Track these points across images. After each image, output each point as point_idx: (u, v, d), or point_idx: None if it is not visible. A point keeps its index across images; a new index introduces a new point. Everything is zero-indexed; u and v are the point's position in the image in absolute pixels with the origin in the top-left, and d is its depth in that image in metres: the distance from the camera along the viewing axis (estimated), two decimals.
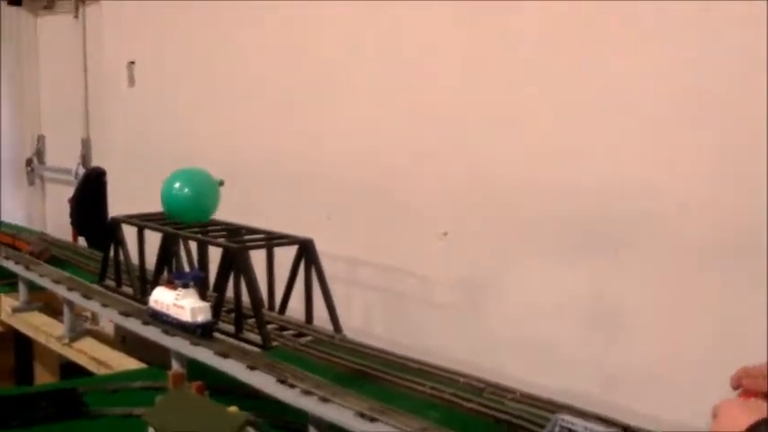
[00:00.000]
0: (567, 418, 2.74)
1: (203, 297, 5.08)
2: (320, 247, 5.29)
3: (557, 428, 2.76)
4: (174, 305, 4.85)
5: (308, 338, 4.92)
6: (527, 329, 5.07)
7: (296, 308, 5.29)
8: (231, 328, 5.01)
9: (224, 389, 4.51)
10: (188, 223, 5.37)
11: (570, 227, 4.77)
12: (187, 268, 5.59)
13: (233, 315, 5.06)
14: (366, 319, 6.00)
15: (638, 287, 4.50)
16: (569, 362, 4.73)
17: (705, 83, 4.14)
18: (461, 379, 4.30)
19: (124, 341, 6.09)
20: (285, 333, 5.02)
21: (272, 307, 5.42)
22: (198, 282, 4.92)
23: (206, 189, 5.15)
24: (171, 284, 4.94)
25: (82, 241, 7.99)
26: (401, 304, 5.81)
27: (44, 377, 7.23)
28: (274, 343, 4.83)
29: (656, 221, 4.39)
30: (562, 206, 4.79)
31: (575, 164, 4.72)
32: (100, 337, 6.38)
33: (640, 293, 4.50)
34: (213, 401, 3.78)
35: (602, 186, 4.58)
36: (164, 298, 4.96)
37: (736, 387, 2.58)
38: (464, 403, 4.01)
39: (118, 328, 6.00)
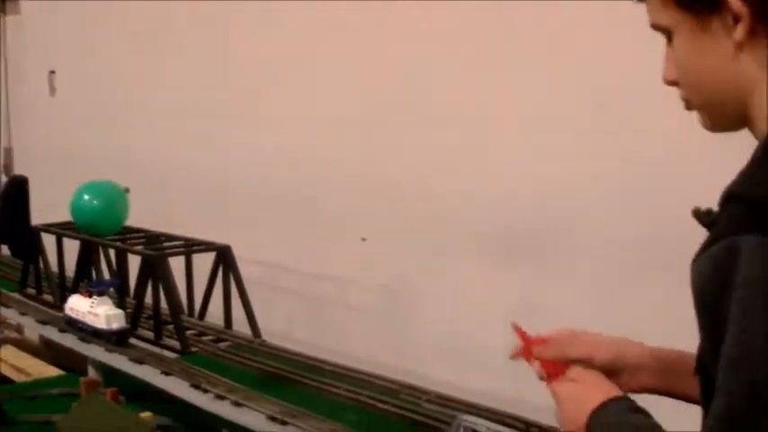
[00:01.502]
0: (470, 419, 2.78)
1: (121, 304, 5.08)
2: (241, 254, 5.30)
3: (460, 429, 2.81)
4: (90, 312, 4.86)
5: (227, 343, 4.94)
6: (446, 333, 5.12)
7: (215, 314, 5.30)
8: (151, 335, 5.00)
9: (141, 395, 4.53)
10: (105, 235, 5.37)
11: (489, 232, 4.83)
12: (107, 276, 5.57)
13: (152, 322, 5.05)
14: (287, 323, 6.02)
15: (557, 292, 4.57)
16: (488, 365, 4.77)
17: (620, 90, 4.19)
18: (377, 381, 4.33)
19: (48, 348, 6.06)
20: (204, 338, 5.03)
21: (191, 313, 5.43)
22: (115, 288, 4.93)
23: (114, 199, 5.16)
24: (86, 292, 4.94)
25: (5, 250, 7.94)
26: (322, 309, 5.85)
27: None
28: (193, 348, 4.84)
29: (575, 229, 4.46)
30: (480, 213, 4.85)
31: (490, 172, 4.78)
32: (24, 345, 6.34)
33: (558, 298, 4.56)
34: (124, 408, 3.79)
35: (521, 193, 4.64)
36: (79, 305, 4.97)
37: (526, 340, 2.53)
38: (379, 405, 4.04)
39: (42, 336, 5.97)
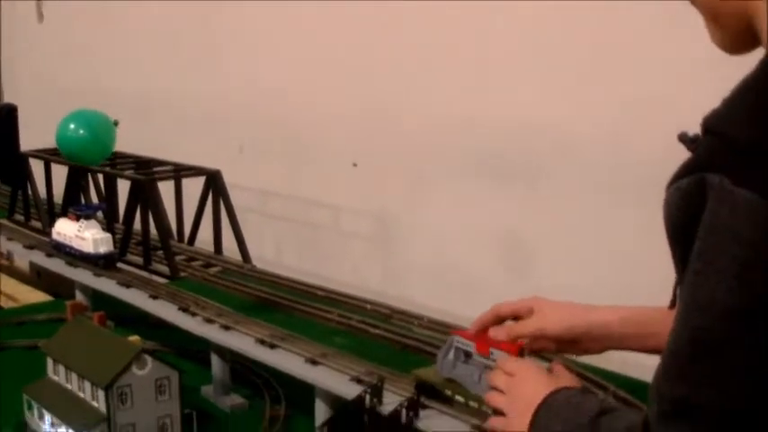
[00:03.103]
0: (461, 339, 2.74)
1: (110, 229, 5.04)
2: (232, 180, 5.27)
3: (452, 349, 2.77)
4: (77, 236, 4.81)
5: (217, 269, 4.91)
6: (437, 258, 5.10)
7: (206, 239, 5.26)
8: (140, 260, 4.96)
9: (130, 320, 4.50)
10: (91, 164, 5.31)
11: (480, 158, 4.79)
12: (96, 202, 5.52)
13: (142, 247, 5.01)
14: (278, 250, 5.99)
15: (548, 218, 4.54)
16: (479, 290, 4.76)
17: (617, 26, 4.15)
18: (369, 306, 4.31)
19: (39, 277, 6.03)
20: (194, 264, 5.00)
21: (181, 239, 5.39)
22: (104, 212, 4.89)
23: (101, 130, 5.09)
24: (74, 216, 4.90)
25: None
26: (312, 235, 5.82)
27: None
28: (182, 274, 4.80)
29: (566, 156, 4.42)
30: (471, 139, 4.81)
31: (483, 98, 4.73)
32: (14, 273, 6.30)
33: (551, 224, 4.53)
34: (111, 331, 3.75)
35: (512, 119, 4.60)
36: (66, 229, 4.92)
37: (475, 337, 2.51)
38: (371, 330, 4.02)
39: (32, 264, 5.93)
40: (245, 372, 4.19)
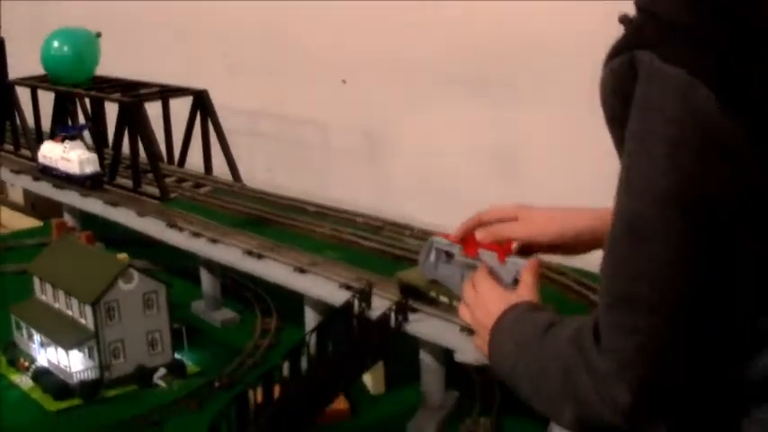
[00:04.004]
0: (443, 240, 2.70)
1: (99, 154, 5.00)
2: (221, 101, 5.21)
3: (433, 250, 2.72)
4: (62, 158, 4.78)
5: (207, 188, 4.87)
6: (427, 172, 5.05)
7: (197, 162, 5.22)
8: (130, 183, 4.92)
9: (120, 241, 4.48)
10: (76, 82, 5.26)
11: (467, 72, 4.73)
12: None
13: (131, 170, 4.96)
14: (269, 170, 5.94)
15: (535, 129, 4.49)
16: (469, 202, 4.71)
17: None
18: (360, 219, 4.29)
19: (34, 208, 6.00)
20: (184, 185, 4.96)
21: (171, 161, 5.35)
22: (90, 131, 4.85)
23: (85, 46, 5.04)
24: (59, 138, 4.86)
25: None
26: (303, 154, 5.77)
27: None
28: (173, 194, 4.75)
29: (550, 69, 4.36)
30: (459, 52, 4.73)
31: (470, 14, 4.65)
32: (10, 206, 6.27)
33: (538, 135, 4.49)
34: (98, 249, 3.73)
35: (499, 34, 4.53)
36: (52, 152, 4.89)
37: (461, 240, 2.47)
38: (363, 242, 4.00)
39: (26, 196, 5.90)
40: (235, 286, 4.18)
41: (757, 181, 1.50)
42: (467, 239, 2.42)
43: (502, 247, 2.33)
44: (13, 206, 6.22)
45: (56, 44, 4.97)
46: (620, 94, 1.59)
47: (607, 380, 1.63)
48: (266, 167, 5.92)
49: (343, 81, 5.43)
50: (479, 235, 2.35)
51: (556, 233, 2.22)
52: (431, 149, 5.00)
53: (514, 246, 2.41)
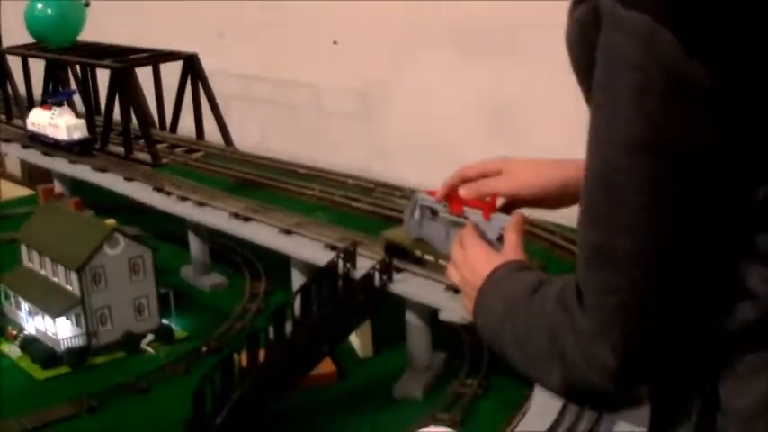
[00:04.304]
0: (427, 198, 2.65)
1: (91, 122, 4.97)
2: (214, 66, 5.17)
3: (417, 208, 2.68)
4: (50, 125, 4.75)
5: (200, 154, 4.84)
6: (421, 131, 5.01)
7: (189, 127, 5.18)
8: (122, 150, 4.89)
9: (110, 208, 4.45)
10: (55, 46, 5.21)
11: (459, 30, 4.67)
12: (78, 95, 5.43)
13: (122, 137, 4.93)
14: (263, 134, 5.90)
15: (536, 83, 4.44)
16: (463, 160, 4.66)
17: None
18: (351, 181, 4.26)
19: (31, 179, 5.97)
20: (177, 150, 4.93)
21: (163, 126, 5.31)
22: (81, 95, 4.82)
23: (70, 9, 4.99)
24: (46, 105, 4.83)
25: None
26: (296, 117, 5.72)
27: None
28: (164, 160, 4.72)
29: (544, 24, 4.30)
30: (451, 9, 4.67)
31: None
32: (8, 177, 6.25)
33: (531, 91, 4.44)
34: (83, 215, 3.70)
35: None
36: (40, 119, 4.86)
37: (445, 198, 2.42)
38: (353, 203, 3.97)
39: (23, 167, 5.87)
40: (225, 251, 4.16)
41: (728, 125, 1.47)
42: (451, 197, 2.38)
43: (486, 204, 2.28)
44: (11, 178, 6.19)
45: (39, 6, 4.91)
46: (585, 42, 1.55)
47: (591, 340, 1.59)
48: (260, 132, 5.88)
49: (335, 42, 5.38)
50: (462, 191, 2.30)
51: (540, 186, 2.17)
52: (425, 109, 4.95)
53: (499, 201, 2.37)
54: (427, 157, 4.91)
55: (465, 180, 2.32)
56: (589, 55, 1.55)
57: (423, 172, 4.67)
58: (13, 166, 6.32)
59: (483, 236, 2.25)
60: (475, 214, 2.32)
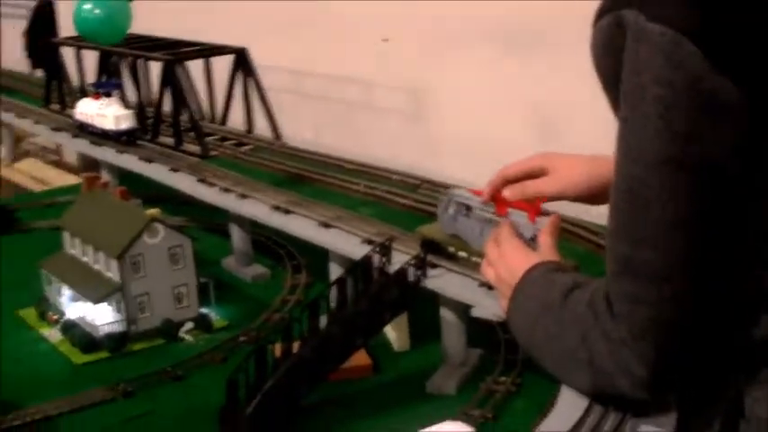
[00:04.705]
0: (462, 194, 2.64)
1: (141, 113, 5.01)
2: (265, 61, 5.19)
3: (452, 203, 2.67)
4: (98, 115, 4.79)
5: (248, 146, 4.85)
6: (470, 130, 5.00)
7: (239, 119, 5.21)
8: (172, 142, 4.92)
9: (158, 199, 4.48)
10: (108, 44, 5.25)
11: (510, 30, 4.66)
12: (130, 87, 5.47)
13: (173, 129, 4.96)
14: (315, 129, 5.92)
15: (578, 86, 4.41)
16: (509, 157, 4.65)
17: None
18: (396, 177, 4.25)
19: (86, 168, 6.02)
20: (225, 143, 4.94)
21: (214, 119, 5.34)
22: (137, 90, 4.87)
23: (116, 9, 5.02)
24: (95, 95, 4.87)
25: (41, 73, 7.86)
26: (347, 113, 5.73)
27: None
28: (213, 152, 4.74)
29: (591, 17, 4.28)
30: (500, 8, 4.66)
31: None
32: (65, 167, 6.30)
33: (581, 92, 4.41)
34: (125, 203, 3.72)
35: None
36: (88, 109, 4.90)
37: (490, 199, 2.39)
38: (398, 199, 3.96)
39: (81, 159, 5.91)
40: (268, 243, 4.17)
41: (752, 138, 1.46)
42: (496, 198, 2.36)
43: (532, 206, 2.26)
44: (68, 167, 6.25)
45: (87, 6, 4.94)
46: (610, 52, 1.55)
47: (621, 348, 1.60)
48: (312, 127, 5.90)
49: (385, 40, 5.38)
50: (507, 193, 2.28)
51: (585, 185, 2.16)
52: (472, 106, 4.94)
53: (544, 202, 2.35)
54: (473, 154, 4.89)
55: (508, 180, 2.31)
56: (614, 65, 1.55)
57: (469, 169, 4.66)
58: (70, 156, 6.38)
59: (518, 234, 2.24)
60: (520, 216, 2.30)
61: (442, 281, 2.96)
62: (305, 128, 5.75)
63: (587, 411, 1.99)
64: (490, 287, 2.39)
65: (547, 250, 2.03)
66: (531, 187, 2.16)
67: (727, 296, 1.53)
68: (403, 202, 3.94)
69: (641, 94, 1.46)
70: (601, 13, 1.54)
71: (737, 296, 1.54)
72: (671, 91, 1.42)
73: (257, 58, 5.09)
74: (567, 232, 3.29)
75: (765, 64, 1.42)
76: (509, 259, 2.04)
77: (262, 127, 5.09)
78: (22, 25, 7.01)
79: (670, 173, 1.46)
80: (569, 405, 2.01)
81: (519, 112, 4.66)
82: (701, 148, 1.44)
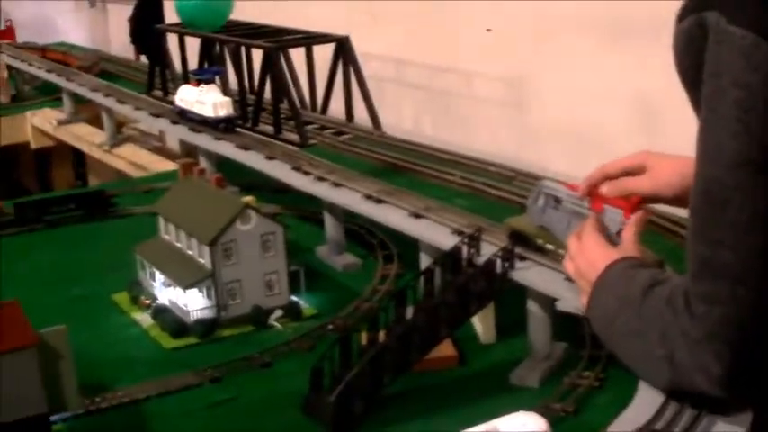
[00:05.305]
0: (553, 186, 2.62)
1: (242, 100, 5.05)
2: (365, 49, 5.20)
3: (541, 195, 2.65)
4: (198, 102, 4.84)
5: (348, 136, 4.87)
6: (569, 120, 4.97)
7: (341, 110, 5.23)
8: (272, 130, 4.95)
9: (254, 186, 4.53)
10: (210, 29, 5.29)
11: (611, 18, 4.60)
12: (231, 74, 5.52)
13: (273, 117, 4.99)
14: (415, 119, 5.93)
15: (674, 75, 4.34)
16: (613, 152, 4.60)
17: None
18: (492, 168, 4.23)
19: (189, 155, 6.09)
20: (325, 132, 4.97)
21: (314, 108, 5.36)
22: (220, 75, 4.92)
23: None
24: (195, 82, 4.92)
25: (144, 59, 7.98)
26: (449, 103, 5.72)
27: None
28: (312, 141, 4.76)
29: None
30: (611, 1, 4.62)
31: None
32: (166, 154, 6.38)
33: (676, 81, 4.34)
34: (219, 190, 3.75)
35: None
36: (188, 96, 4.95)
37: (587, 194, 2.36)
38: (492, 191, 3.96)
39: (182, 145, 5.99)
40: (361, 233, 4.17)
41: None
42: (593, 193, 2.34)
43: (628, 202, 2.23)
44: (169, 154, 6.33)
45: None
46: (692, 53, 1.59)
47: (698, 346, 1.62)
48: (413, 117, 5.90)
49: (488, 30, 5.36)
50: (605, 189, 2.27)
51: (681, 186, 2.14)
52: (574, 98, 4.91)
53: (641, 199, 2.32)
54: (573, 147, 4.86)
55: (607, 176, 2.29)
56: (696, 66, 1.57)
57: (569, 161, 4.62)
58: (173, 142, 6.46)
59: (604, 229, 2.22)
60: (615, 213, 2.27)
61: (530, 273, 2.94)
62: (405, 118, 5.77)
63: (662, 408, 1.96)
64: (572, 281, 2.36)
65: (628, 245, 2.04)
66: (628, 184, 2.16)
67: None
68: (497, 193, 3.92)
69: (721, 96, 1.49)
70: (683, 14, 1.56)
71: None
72: (749, 93, 1.46)
73: (359, 46, 5.09)
74: (657, 226, 3.23)
75: None
76: (589, 254, 2.05)
77: (362, 117, 5.10)
78: (128, 12, 7.13)
79: (747, 174, 1.49)
80: (645, 402, 1.98)
81: (621, 103, 4.62)
82: None
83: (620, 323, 1.87)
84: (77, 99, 6.84)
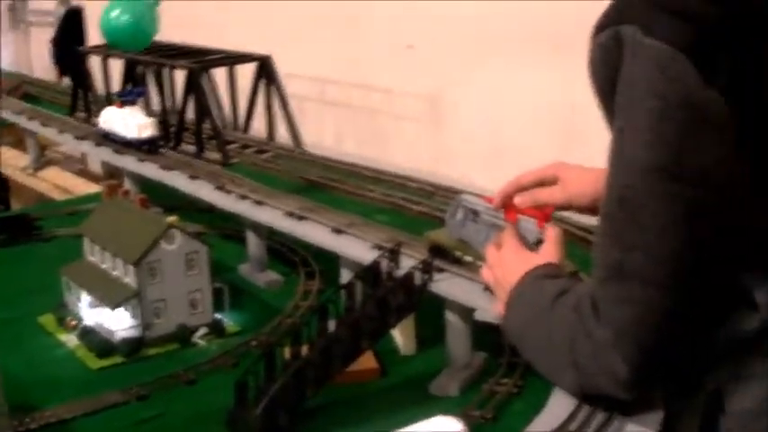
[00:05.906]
0: (471, 199, 2.70)
1: (164, 121, 5.08)
2: (287, 68, 5.25)
3: (459, 209, 2.73)
4: (121, 123, 4.87)
5: (269, 154, 4.92)
6: (488, 136, 5.05)
7: (262, 127, 5.28)
8: (194, 149, 4.99)
9: (178, 207, 4.55)
10: (135, 50, 5.32)
11: (533, 37, 4.69)
12: (155, 95, 5.55)
13: (195, 136, 5.04)
14: (337, 137, 5.99)
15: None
16: (528, 165, 4.68)
17: None
18: (413, 184, 4.30)
19: (111, 176, 6.09)
20: (247, 150, 5.02)
21: (236, 127, 5.41)
22: (143, 97, 4.96)
23: (144, 12, 5.09)
24: (119, 104, 4.95)
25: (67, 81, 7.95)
26: (370, 120, 5.79)
27: None
28: (234, 160, 4.81)
29: None
30: (527, 13, 4.70)
31: None
32: (89, 176, 6.39)
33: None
34: (145, 211, 3.79)
35: None
36: (112, 117, 4.98)
37: (501, 206, 2.44)
38: (413, 206, 4.02)
39: (105, 167, 5.99)
40: (283, 250, 4.22)
41: (741, 153, 1.52)
42: (507, 204, 2.42)
43: (542, 213, 2.32)
44: (92, 176, 6.33)
45: (114, 14, 5.01)
46: (608, 67, 1.63)
47: (605, 349, 1.67)
48: (334, 135, 5.96)
49: (410, 46, 5.44)
50: (518, 200, 2.34)
51: (593, 196, 2.22)
52: (493, 114, 4.99)
53: (553, 210, 2.40)
54: (493, 162, 4.94)
55: (521, 188, 2.38)
56: (611, 79, 1.63)
57: (487, 176, 4.70)
58: (95, 164, 6.46)
59: (522, 239, 2.29)
60: (529, 222, 2.35)
61: (448, 285, 3.01)
62: (327, 136, 5.82)
63: (574, 412, 2.03)
64: (491, 290, 2.44)
65: (546, 254, 2.11)
66: (541, 195, 2.24)
67: (710, 296, 1.60)
68: (418, 209, 3.99)
69: (636, 105, 1.54)
70: (599, 28, 1.62)
71: (719, 295, 1.61)
72: (663, 103, 1.50)
73: (281, 66, 5.15)
74: (575, 237, 3.32)
75: (754, 80, 1.49)
76: (507, 263, 2.13)
77: (284, 135, 5.16)
78: (50, 33, 7.12)
79: (659, 183, 1.54)
80: (559, 406, 2.06)
81: (541, 120, 4.70)
82: (690, 160, 1.51)
83: (532, 332, 1.94)
84: (0, 123, 6.81)
